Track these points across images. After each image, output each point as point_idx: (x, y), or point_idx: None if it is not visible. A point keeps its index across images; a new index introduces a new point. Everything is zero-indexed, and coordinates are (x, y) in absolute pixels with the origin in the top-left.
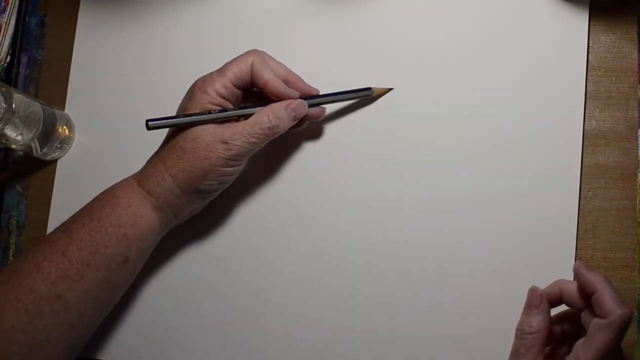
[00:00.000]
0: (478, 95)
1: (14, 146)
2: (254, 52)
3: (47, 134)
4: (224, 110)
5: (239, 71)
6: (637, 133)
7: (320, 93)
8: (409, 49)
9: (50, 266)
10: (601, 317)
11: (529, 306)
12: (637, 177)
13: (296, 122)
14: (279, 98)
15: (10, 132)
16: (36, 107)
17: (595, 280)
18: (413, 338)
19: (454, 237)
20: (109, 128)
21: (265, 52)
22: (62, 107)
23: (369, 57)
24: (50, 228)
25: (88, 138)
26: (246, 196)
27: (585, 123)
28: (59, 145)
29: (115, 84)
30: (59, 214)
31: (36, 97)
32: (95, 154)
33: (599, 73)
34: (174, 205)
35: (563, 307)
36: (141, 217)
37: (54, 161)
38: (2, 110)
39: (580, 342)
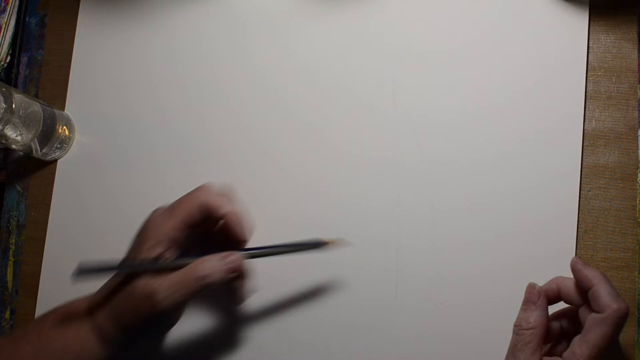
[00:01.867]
0: (478, 95)
1: (13, 146)
2: (204, 189)
3: (47, 134)
4: (154, 262)
5: (193, 211)
6: (637, 133)
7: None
8: (409, 49)
9: None
10: (597, 312)
11: (527, 302)
12: (637, 177)
13: (233, 275)
14: (233, 232)
15: (10, 132)
16: (36, 107)
17: (592, 275)
18: (413, 338)
19: (454, 237)
20: (109, 128)
21: (225, 185)
22: (62, 107)
23: (369, 57)
24: (50, 228)
25: (88, 138)
26: None
27: (585, 123)
28: (58, 146)
29: (115, 84)
30: (59, 214)
31: (36, 97)
32: (95, 154)
33: (599, 73)
34: (123, 339)
35: (562, 305)
36: (87, 349)
37: (54, 161)
38: (2, 110)
39: (577, 338)
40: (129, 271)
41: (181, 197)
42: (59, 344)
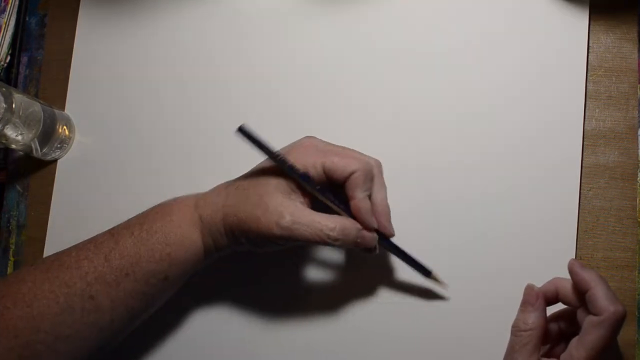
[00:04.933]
0: (478, 95)
1: (14, 146)
2: (366, 163)
3: (47, 134)
4: (306, 177)
5: (340, 169)
6: (637, 133)
7: (383, 220)
8: (409, 49)
9: (90, 266)
10: (595, 315)
11: (525, 304)
12: (637, 177)
13: (354, 248)
14: (355, 217)
15: (10, 132)
16: (36, 107)
17: (589, 277)
18: (413, 337)
19: (454, 237)
20: (109, 128)
21: (379, 166)
22: (62, 107)
23: (370, 57)
24: (51, 228)
25: (88, 138)
26: None
27: (585, 123)
28: (59, 145)
29: (115, 84)
30: (59, 214)
31: (36, 97)
32: (95, 154)
33: (599, 73)
34: (217, 240)
35: (561, 306)
36: (189, 240)
37: (54, 161)
38: (2, 110)
39: (574, 340)
40: (278, 163)
41: (344, 149)
42: (161, 237)
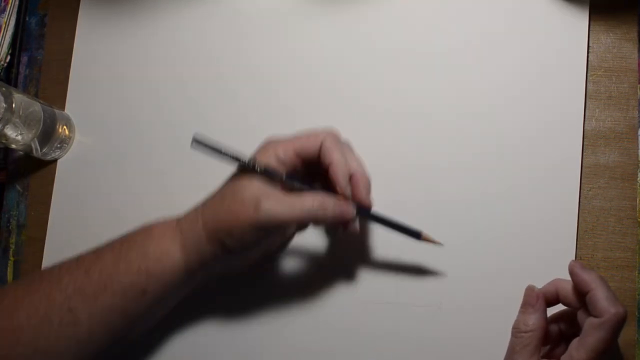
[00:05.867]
0: (478, 95)
1: (14, 146)
2: (329, 131)
3: (47, 134)
4: (270, 170)
5: (310, 145)
6: (637, 133)
7: (364, 185)
8: (409, 49)
9: (70, 279)
10: (595, 317)
11: (525, 305)
12: (637, 177)
13: (340, 220)
14: (334, 185)
15: (10, 132)
16: (36, 107)
17: (590, 279)
18: (412, 338)
19: (454, 237)
20: (109, 128)
21: (347, 144)
22: (62, 107)
23: (370, 57)
24: (51, 228)
25: (88, 138)
26: None
27: (585, 123)
28: (59, 145)
29: (115, 84)
30: (58, 214)
31: (36, 97)
32: (95, 154)
33: (599, 73)
34: (200, 252)
35: (562, 307)
36: (167, 254)
37: (54, 161)
38: (2, 110)
39: (575, 341)
40: (239, 164)
41: (305, 131)
42: (139, 251)
